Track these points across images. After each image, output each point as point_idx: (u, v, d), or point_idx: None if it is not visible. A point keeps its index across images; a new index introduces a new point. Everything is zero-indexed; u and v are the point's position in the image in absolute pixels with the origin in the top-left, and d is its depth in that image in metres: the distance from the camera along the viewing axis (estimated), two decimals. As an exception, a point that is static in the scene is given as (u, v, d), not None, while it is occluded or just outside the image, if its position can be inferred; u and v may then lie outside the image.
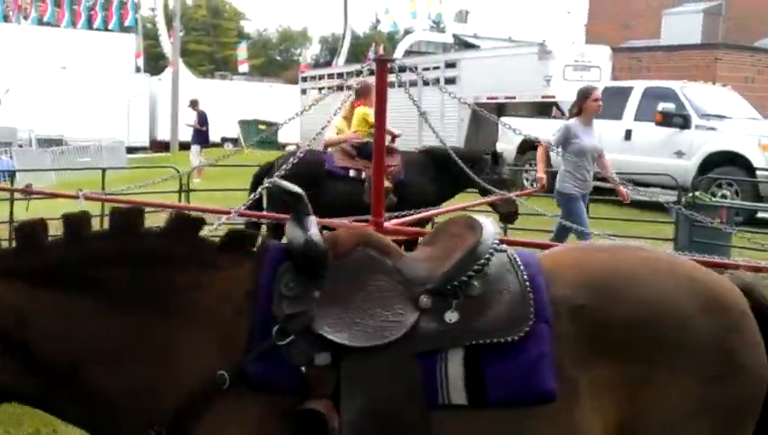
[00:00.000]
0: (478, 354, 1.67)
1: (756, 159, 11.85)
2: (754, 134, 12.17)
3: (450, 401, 1.65)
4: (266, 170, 6.98)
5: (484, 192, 6.48)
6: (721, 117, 12.86)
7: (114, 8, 37.47)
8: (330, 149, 7.32)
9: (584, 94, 7.23)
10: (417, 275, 1.78)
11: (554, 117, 16.95)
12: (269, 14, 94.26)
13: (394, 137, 7.48)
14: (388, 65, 5.29)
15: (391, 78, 6.86)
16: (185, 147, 22.99)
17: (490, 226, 1.88)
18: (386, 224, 5.14)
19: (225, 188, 5.71)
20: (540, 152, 7.18)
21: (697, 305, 1.73)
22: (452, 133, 16.20)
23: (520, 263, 1.80)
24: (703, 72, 20.11)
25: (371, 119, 7.04)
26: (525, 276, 1.76)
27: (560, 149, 6.88)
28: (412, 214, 6.00)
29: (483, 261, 1.75)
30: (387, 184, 6.72)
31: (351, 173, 6.97)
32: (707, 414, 1.68)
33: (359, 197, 6.76)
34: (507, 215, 6.90)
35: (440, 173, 6.52)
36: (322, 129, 5.42)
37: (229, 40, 56.50)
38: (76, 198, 5.64)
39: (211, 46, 49.97)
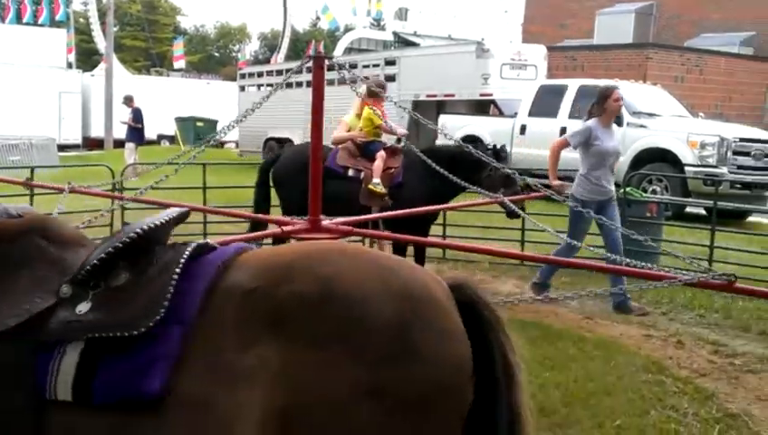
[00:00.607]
0: (98, 350, 1.59)
1: (685, 156, 12.25)
2: (683, 131, 12.59)
3: (56, 396, 1.58)
4: (272, 162, 7.17)
5: (489, 188, 6.32)
6: (651, 115, 13.25)
7: (45, 2, 36.38)
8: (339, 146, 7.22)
9: (604, 95, 6.66)
10: (76, 264, 1.71)
11: (492, 115, 17.22)
12: (206, 10, 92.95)
13: (400, 137, 7.27)
14: (326, 62, 5.30)
15: (335, 75, 6.88)
16: (120, 144, 22.47)
17: (167, 213, 1.80)
18: (324, 223, 5.16)
19: (160, 187, 5.58)
20: (551, 154, 6.73)
21: (384, 291, 1.64)
22: (392, 130, 16.25)
23: (185, 257, 1.69)
24: (635, 70, 20.68)
25: (378, 120, 7.02)
26: (179, 270, 1.65)
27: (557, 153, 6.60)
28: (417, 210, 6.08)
29: (110, 249, 1.66)
30: (382, 189, 6.73)
31: (350, 172, 6.91)
32: (376, 398, 1.57)
33: (355, 196, 6.75)
34: (514, 212, 6.68)
35: (441, 173, 6.35)
36: (252, 110, 5.37)
37: (165, 36, 55.45)
38: (62, 191, 5.93)
39: (146, 42, 48.87)
